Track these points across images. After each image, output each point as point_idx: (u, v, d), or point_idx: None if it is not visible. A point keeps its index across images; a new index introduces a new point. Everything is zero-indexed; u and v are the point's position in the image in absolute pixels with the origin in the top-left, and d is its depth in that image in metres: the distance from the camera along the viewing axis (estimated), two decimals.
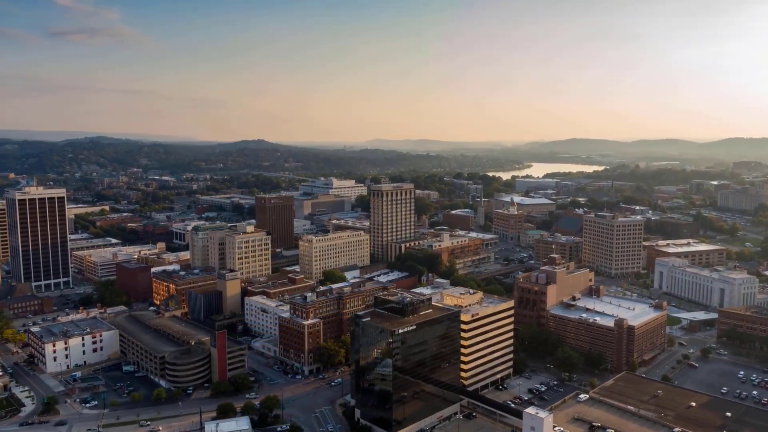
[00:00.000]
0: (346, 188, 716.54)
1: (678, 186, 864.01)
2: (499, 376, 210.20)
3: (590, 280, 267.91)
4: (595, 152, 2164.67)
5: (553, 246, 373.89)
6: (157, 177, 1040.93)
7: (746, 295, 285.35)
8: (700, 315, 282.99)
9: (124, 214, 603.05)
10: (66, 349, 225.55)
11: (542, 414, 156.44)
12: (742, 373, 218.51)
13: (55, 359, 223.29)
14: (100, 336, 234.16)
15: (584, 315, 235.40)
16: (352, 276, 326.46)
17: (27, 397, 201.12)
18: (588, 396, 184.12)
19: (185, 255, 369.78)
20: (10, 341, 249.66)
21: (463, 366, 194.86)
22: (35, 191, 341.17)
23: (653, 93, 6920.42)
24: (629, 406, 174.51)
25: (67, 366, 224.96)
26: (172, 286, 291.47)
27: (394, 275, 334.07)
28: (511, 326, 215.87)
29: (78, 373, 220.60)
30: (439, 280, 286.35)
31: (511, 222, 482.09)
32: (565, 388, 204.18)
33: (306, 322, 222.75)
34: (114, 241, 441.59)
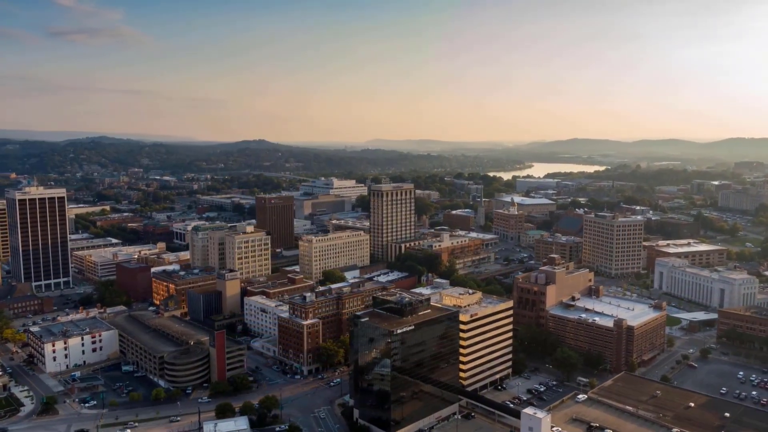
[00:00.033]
0: (347, 188, 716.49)
1: (679, 186, 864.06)
2: (498, 376, 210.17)
3: (590, 281, 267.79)
4: (596, 152, 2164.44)
5: (553, 246, 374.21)
6: (158, 177, 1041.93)
7: (746, 295, 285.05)
8: (700, 315, 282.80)
9: (125, 214, 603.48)
10: (65, 349, 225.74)
11: (540, 414, 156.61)
12: (741, 373, 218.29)
13: (54, 359, 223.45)
14: (100, 336, 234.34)
15: (583, 315, 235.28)
16: (351, 276, 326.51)
17: (26, 396, 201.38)
18: (586, 396, 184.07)
19: (185, 255, 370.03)
20: (10, 341, 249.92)
21: (461, 366, 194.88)
22: (35, 191, 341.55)
23: (654, 93, 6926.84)
24: (628, 407, 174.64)
25: (67, 366, 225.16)
26: (171, 286, 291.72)
27: (394, 275, 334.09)
28: (510, 326, 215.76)
29: (77, 373, 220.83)
30: (438, 280, 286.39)
31: (512, 222, 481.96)
32: (564, 389, 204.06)
33: (305, 323, 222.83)
34: (114, 241, 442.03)
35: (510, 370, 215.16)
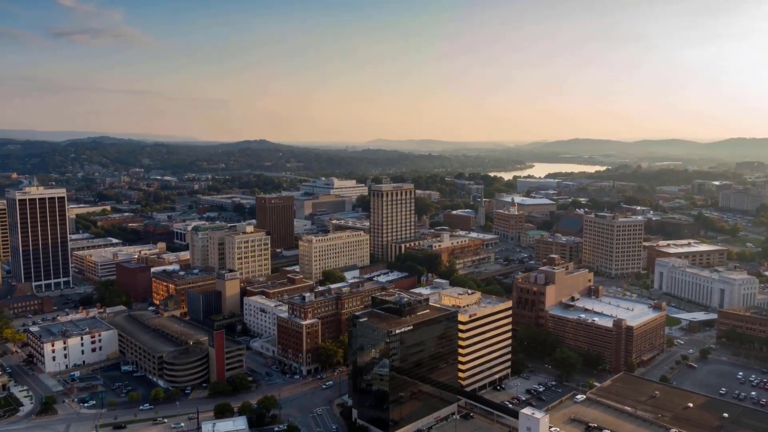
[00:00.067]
0: (347, 188, 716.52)
1: (680, 186, 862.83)
2: (497, 376, 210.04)
3: (589, 281, 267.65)
4: (598, 152, 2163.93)
5: (553, 246, 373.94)
6: (159, 177, 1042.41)
7: (746, 295, 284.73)
8: (700, 316, 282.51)
9: (126, 214, 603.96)
10: (65, 348, 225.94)
11: (538, 414, 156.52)
12: (741, 373, 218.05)
13: (53, 359, 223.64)
14: (99, 336, 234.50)
15: (583, 315, 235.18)
16: (351, 276, 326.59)
17: (25, 396, 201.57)
18: (585, 397, 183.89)
19: (185, 255, 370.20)
20: (10, 341, 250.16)
21: (460, 366, 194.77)
22: (35, 191, 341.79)
23: (655, 93, 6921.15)
24: (626, 407, 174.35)
25: (66, 366, 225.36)
26: (171, 286, 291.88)
27: (394, 275, 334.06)
28: (510, 327, 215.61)
29: (76, 373, 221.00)
30: (438, 280, 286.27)
31: (512, 222, 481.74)
32: (564, 389, 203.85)
33: (304, 323, 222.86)
34: (115, 241, 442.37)
35: (509, 371, 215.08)
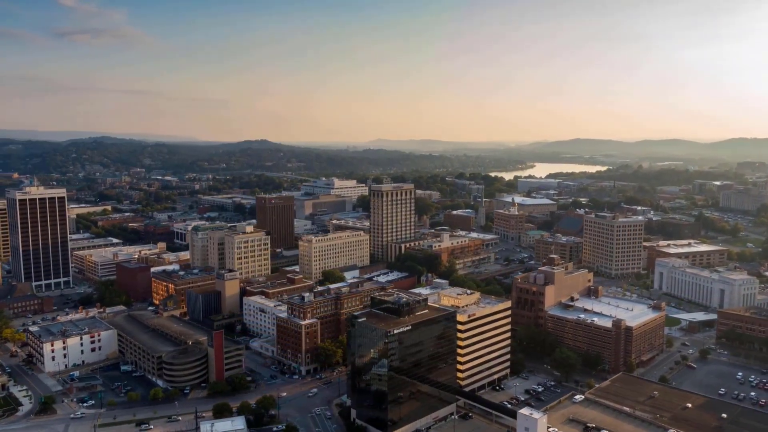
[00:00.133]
0: (348, 188, 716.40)
1: (681, 186, 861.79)
2: (496, 376, 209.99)
3: (589, 281, 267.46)
4: (599, 152, 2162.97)
5: (553, 246, 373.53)
6: (160, 177, 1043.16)
7: (746, 296, 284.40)
8: (700, 316, 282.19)
9: (126, 214, 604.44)
10: (64, 348, 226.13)
11: (536, 415, 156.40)
12: (740, 374, 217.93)
13: (53, 359, 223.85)
14: (99, 336, 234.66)
15: (582, 315, 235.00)
16: (351, 276, 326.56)
17: (25, 396, 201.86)
18: (583, 397, 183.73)
19: (185, 255, 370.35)
20: (9, 341, 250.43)
21: (459, 366, 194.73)
22: (36, 191, 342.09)
23: (656, 93, 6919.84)
24: (625, 407, 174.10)
25: (66, 365, 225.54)
26: (171, 285, 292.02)
27: (394, 275, 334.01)
28: (509, 327, 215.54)
29: (76, 373, 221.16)
30: (438, 280, 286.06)
31: (512, 222, 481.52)
32: (563, 389, 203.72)
33: (303, 323, 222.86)
34: (115, 240, 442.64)
35: (508, 371, 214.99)
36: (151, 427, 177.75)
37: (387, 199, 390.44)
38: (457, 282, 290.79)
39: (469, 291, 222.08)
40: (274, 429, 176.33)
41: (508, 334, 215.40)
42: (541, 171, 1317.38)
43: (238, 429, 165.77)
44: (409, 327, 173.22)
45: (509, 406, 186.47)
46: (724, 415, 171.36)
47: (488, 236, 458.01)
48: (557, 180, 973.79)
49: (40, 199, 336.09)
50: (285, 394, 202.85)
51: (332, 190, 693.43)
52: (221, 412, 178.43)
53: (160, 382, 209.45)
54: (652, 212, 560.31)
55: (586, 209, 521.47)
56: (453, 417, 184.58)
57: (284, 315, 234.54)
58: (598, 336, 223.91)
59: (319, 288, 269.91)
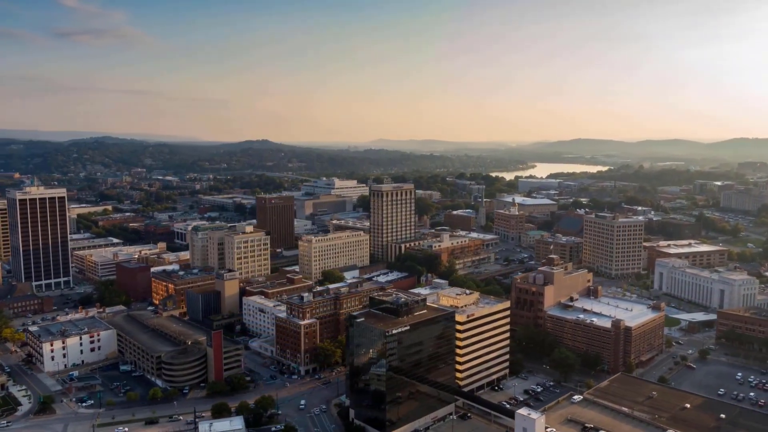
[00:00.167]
0: (348, 188, 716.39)
1: (682, 186, 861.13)
2: (495, 376, 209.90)
3: (588, 281, 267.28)
4: (600, 152, 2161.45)
5: (553, 246, 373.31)
6: (161, 177, 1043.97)
7: (746, 296, 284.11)
8: (699, 316, 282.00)
9: (127, 213, 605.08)
10: (64, 348, 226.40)
11: (534, 415, 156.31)
12: (740, 374, 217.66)
13: (52, 358, 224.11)
14: (98, 335, 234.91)
15: (581, 316, 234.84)
16: (351, 276, 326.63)
17: (24, 396, 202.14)
18: (582, 397, 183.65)
19: (185, 255, 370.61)
20: (9, 340, 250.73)
21: (458, 366, 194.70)
22: (36, 191, 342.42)
23: (657, 93, 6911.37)
24: (623, 408, 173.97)
25: (65, 365, 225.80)
26: (171, 285, 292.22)
27: (394, 275, 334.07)
28: (508, 327, 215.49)
29: (75, 373, 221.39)
30: (437, 280, 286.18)
31: (512, 222, 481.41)
32: (562, 389, 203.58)
33: (302, 323, 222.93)
34: (116, 240, 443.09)
35: (507, 371, 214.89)
36: (126, 429, 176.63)
37: (387, 199, 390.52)
38: (456, 282, 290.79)
39: (468, 291, 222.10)
40: (273, 429, 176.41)
41: (507, 335, 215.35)
42: (542, 171, 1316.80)
43: (237, 429, 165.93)
44: (408, 327, 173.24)
45: (508, 406, 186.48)
46: (723, 416, 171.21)
47: (488, 236, 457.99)
48: (558, 180, 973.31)
49: (40, 199, 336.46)
50: (285, 393, 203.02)
51: (333, 190, 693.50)
52: (220, 412, 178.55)
53: (159, 382, 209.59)
54: (652, 212, 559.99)
55: (587, 209, 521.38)
56: (451, 417, 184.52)
57: (283, 315, 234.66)
58: (597, 336, 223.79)
59: (319, 288, 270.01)
